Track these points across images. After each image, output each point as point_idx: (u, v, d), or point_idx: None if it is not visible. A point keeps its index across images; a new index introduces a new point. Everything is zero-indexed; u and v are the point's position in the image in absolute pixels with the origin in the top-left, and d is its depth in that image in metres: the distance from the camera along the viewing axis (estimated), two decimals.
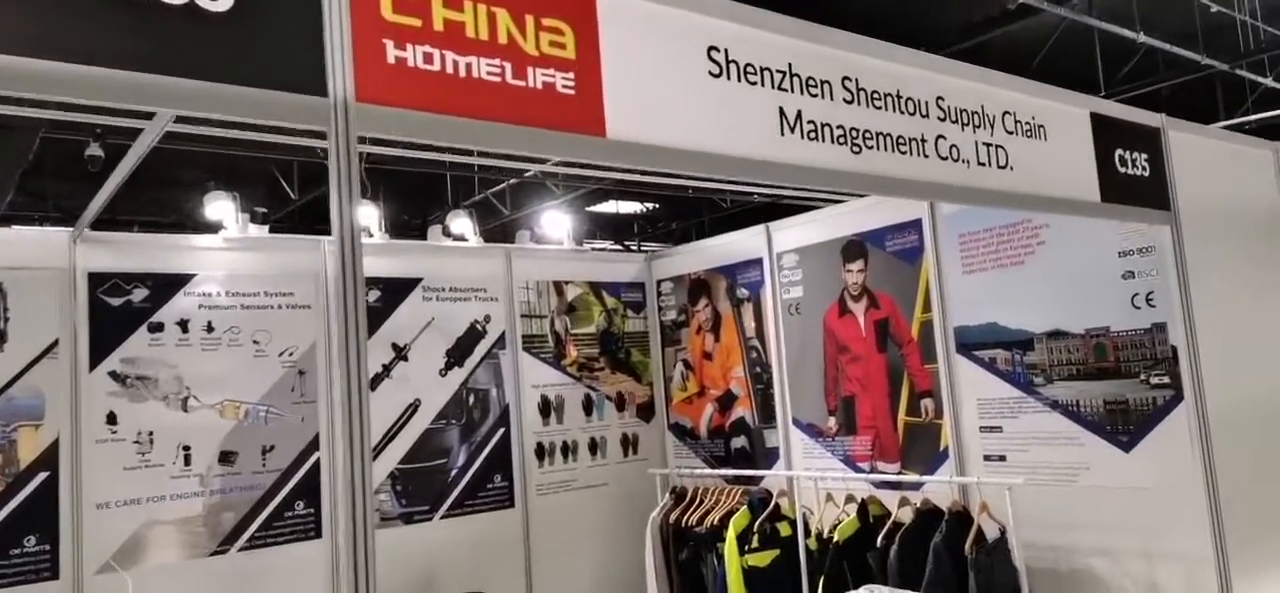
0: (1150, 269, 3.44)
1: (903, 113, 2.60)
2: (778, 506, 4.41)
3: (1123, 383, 3.52)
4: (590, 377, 5.28)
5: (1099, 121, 3.21)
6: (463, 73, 1.66)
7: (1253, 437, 3.48)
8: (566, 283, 5.25)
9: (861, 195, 4.33)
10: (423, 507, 4.57)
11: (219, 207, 4.07)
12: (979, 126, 2.83)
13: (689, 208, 13.04)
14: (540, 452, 5.01)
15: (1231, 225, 3.63)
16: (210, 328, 4.00)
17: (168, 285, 3.93)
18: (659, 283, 5.57)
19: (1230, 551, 3.25)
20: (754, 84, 2.22)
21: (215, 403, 4.00)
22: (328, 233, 1.80)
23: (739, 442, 5.07)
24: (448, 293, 4.76)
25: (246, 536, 4.03)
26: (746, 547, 4.30)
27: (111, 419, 3.74)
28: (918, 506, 3.89)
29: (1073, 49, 7.52)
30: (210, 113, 1.49)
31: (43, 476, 3.58)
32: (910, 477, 4.13)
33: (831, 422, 4.58)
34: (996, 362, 3.92)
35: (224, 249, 4.10)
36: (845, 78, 2.45)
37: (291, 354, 4.21)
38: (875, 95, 2.53)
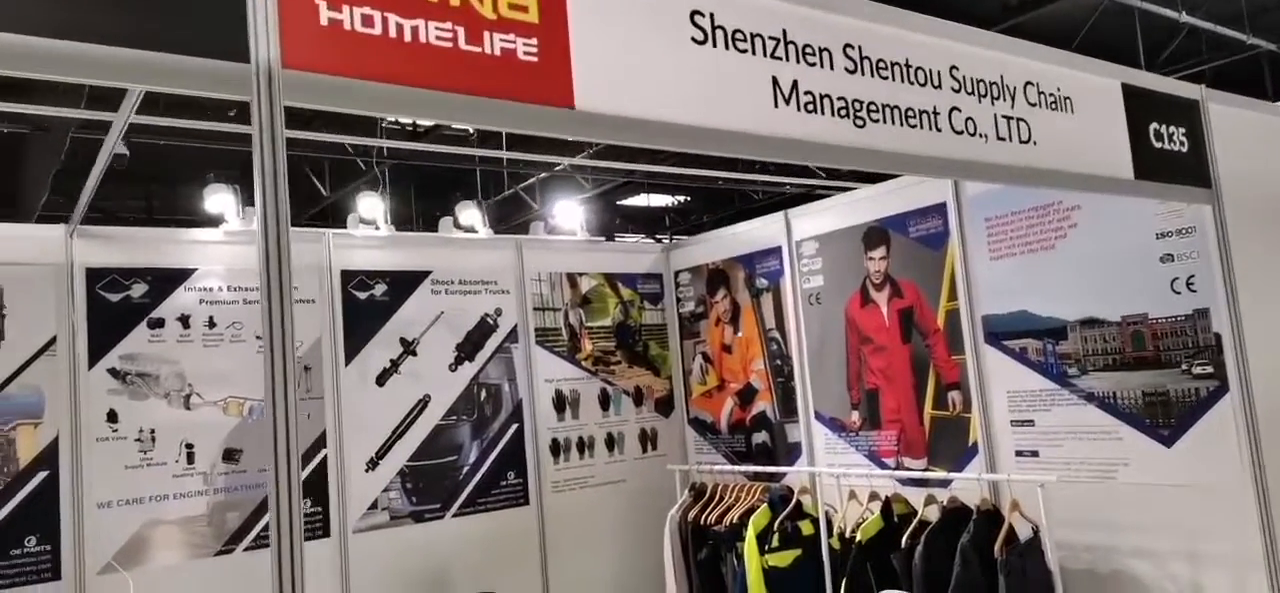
0: (1191, 251, 3.20)
1: (912, 83, 2.41)
2: (799, 503, 4.23)
3: (1163, 373, 3.29)
4: (606, 371, 5.14)
5: (1131, 93, 2.98)
6: (408, 37, 1.53)
7: None
8: (580, 275, 5.11)
9: (896, 176, 4.07)
10: (434, 505, 4.48)
11: (219, 199, 4.00)
12: (998, 98, 2.62)
13: (721, 200, 12.85)
14: (555, 448, 4.89)
15: (1279, 203, 3.37)
16: (212, 323, 3.94)
17: (167, 280, 3.87)
18: (677, 274, 5.42)
19: None
20: (744, 51, 2.06)
21: (218, 400, 3.94)
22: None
23: (760, 437, 4.89)
24: (457, 286, 4.65)
25: (252, 535, 3.96)
26: (766, 546, 4.13)
27: (112, 417, 3.69)
28: (944, 504, 3.69)
29: (1113, 30, 7.19)
30: (122, 82, 1.37)
31: (43, 474, 3.54)
32: (937, 473, 3.92)
33: (855, 416, 4.39)
34: (1027, 352, 3.70)
35: (225, 243, 4.04)
36: (847, 45, 2.27)
37: (296, 350, 4.13)
38: (881, 64, 2.34)
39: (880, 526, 3.79)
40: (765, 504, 4.28)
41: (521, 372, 4.82)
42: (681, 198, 13.60)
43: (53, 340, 3.61)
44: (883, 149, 2.33)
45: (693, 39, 1.96)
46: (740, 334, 5.01)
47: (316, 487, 4.14)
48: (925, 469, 4.03)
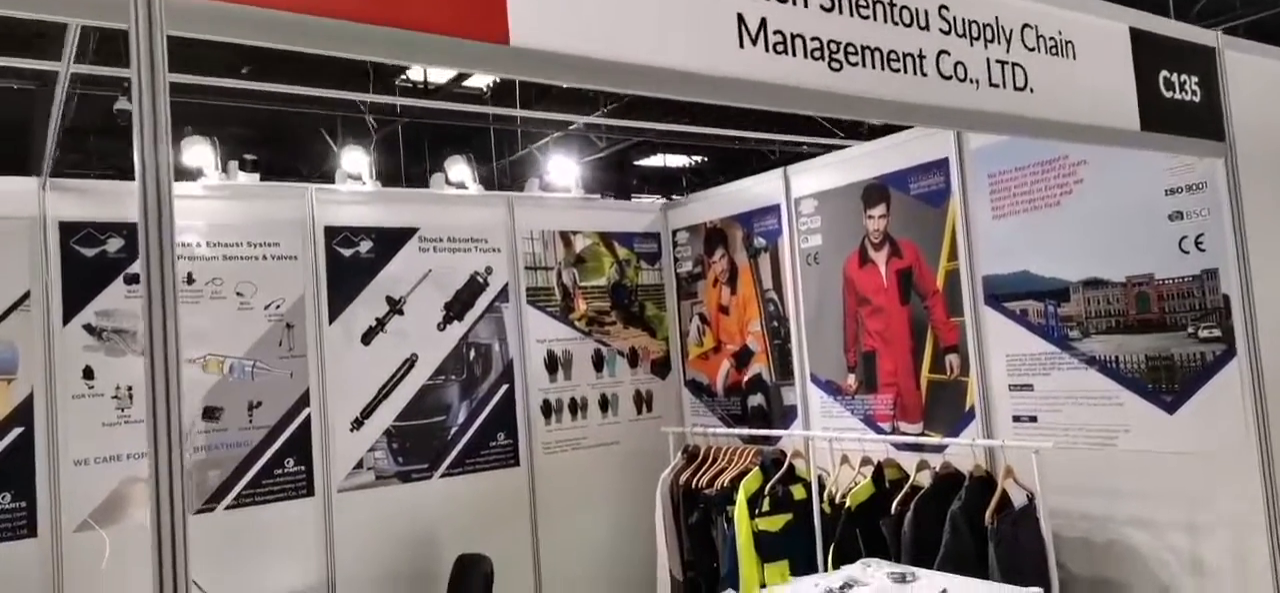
0: (1201, 209, 3.03)
1: (895, 23, 2.25)
2: (791, 468, 4.13)
3: (1167, 337, 3.13)
4: (601, 331, 5.03)
5: (1140, 38, 2.79)
6: None
7: None
8: (574, 233, 4.99)
9: (907, 126, 3.84)
10: (421, 465, 4.41)
11: (197, 152, 3.91)
12: (991, 41, 2.45)
13: (736, 160, 12.64)
14: (547, 409, 4.81)
15: None
16: (190, 279, 3.86)
17: None
18: (674, 233, 5.28)
19: None
20: None
21: (197, 358, 3.87)
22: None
23: (756, 399, 4.78)
24: (445, 244, 4.55)
25: (233, 494, 3.92)
26: (757, 510, 4.04)
27: (88, 374, 3.64)
28: (937, 470, 3.57)
29: None
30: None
31: (17, 431, 3.50)
32: (932, 438, 3.80)
33: (851, 379, 4.26)
34: (1028, 314, 3.55)
35: (203, 197, 3.95)
36: None
37: (278, 307, 4.06)
38: (861, 2, 2.18)
39: (871, 491, 3.68)
40: (757, 468, 4.18)
41: (512, 332, 4.72)
42: (698, 158, 13.41)
43: (26, 295, 3.55)
44: (861, 95, 2.18)
45: None
46: (737, 295, 4.88)
47: (300, 446, 4.08)
48: (921, 434, 3.91)
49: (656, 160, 13.08)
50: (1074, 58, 2.65)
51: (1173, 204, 3.09)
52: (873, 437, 4.03)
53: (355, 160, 4.20)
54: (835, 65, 2.13)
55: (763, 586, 3.82)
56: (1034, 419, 3.53)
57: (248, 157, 4.99)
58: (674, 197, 5.49)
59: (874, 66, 2.20)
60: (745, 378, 4.84)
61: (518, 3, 1.62)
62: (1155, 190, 3.13)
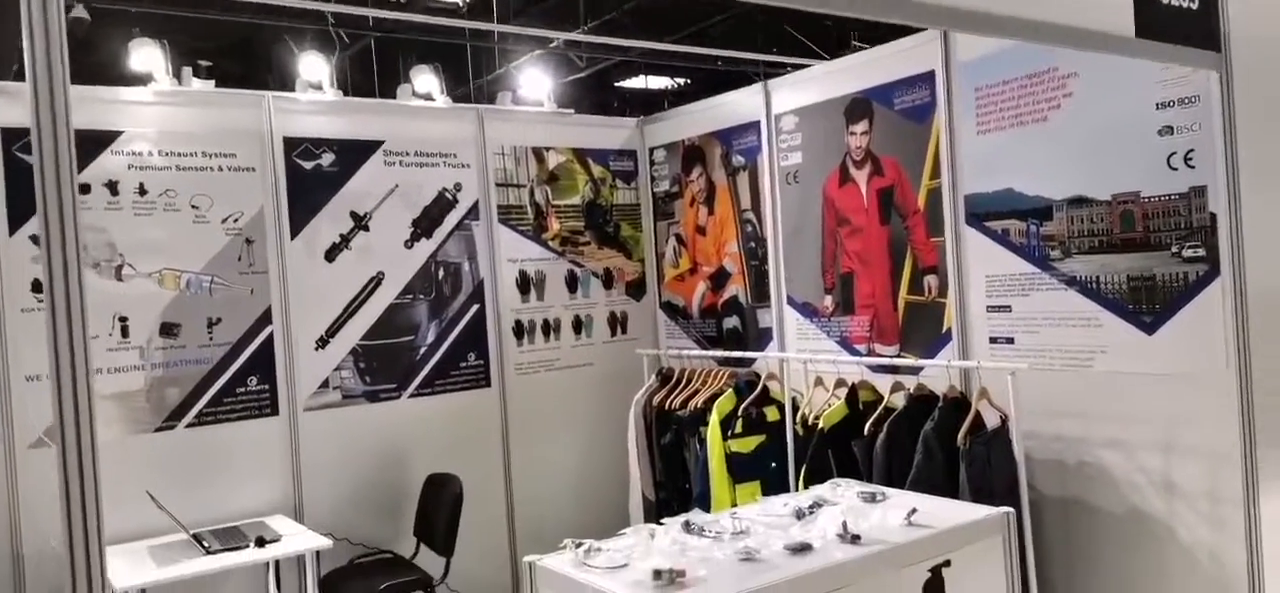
0: (1192, 123, 2.91)
1: None
2: (765, 389, 4.07)
3: (1150, 256, 3.04)
4: (574, 251, 4.92)
5: None
6: None
7: None
8: (547, 149, 4.84)
9: (919, 29, 3.63)
10: (389, 385, 4.32)
11: (145, 56, 3.70)
12: None
13: (720, 81, 12.39)
14: (518, 330, 4.71)
15: None
16: (143, 190, 3.70)
17: (92, 143, 3.62)
18: (651, 151, 5.13)
19: (1260, 449, 2.82)
20: None
21: (152, 272, 3.73)
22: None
23: (731, 322, 4.70)
24: (412, 158, 4.39)
25: (194, 412, 3.82)
26: (730, 432, 3.99)
27: (37, 287, 3.49)
28: (911, 392, 3.51)
29: None
30: None
31: None
32: (907, 360, 3.73)
33: (828, 301, 4.18)
34: (1010, 233, 3.46)
35: (154, 103, 3.76)
36: None
37: (236, 221, 3.91)
38: None
39: (845, 413, 3.63)
40: (731, 390, 4.12)
41: (483, 251, 4.60)
42: (680, 80, 13.14)
43: None
44: None
45: None
46: (715, 215, 4.76)
47: (263, 364, 3.98)
48: (896, 356, 3.84)
49: (637, 81, 12.80)
50: None
51: (1163, 118, 2.98)
52: (848, 359, 3.96)
53: (314, 67, 4.00)
54: None
55: (734, 506, 3.79)
56: (1011, 341, 3.46)
57: (202, 62, 4.77)
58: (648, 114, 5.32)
59: None
60: (721, 300, 4.75)
61: None
62: (1146, 104, 3.01)
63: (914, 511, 2.35)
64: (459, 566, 3.96)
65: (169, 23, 5.78)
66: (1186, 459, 3.00)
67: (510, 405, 4.65)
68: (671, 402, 4.39)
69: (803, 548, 2.16)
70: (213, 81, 4.04)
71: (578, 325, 4.91)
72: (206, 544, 3.36)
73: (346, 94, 4.44)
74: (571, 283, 4.90)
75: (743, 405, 4.02)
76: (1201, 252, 2.91)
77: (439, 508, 4.03)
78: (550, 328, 4.82)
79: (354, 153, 4.21)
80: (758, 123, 4.47)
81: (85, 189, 3.60)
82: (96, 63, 5.58)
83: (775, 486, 3.83)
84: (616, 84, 12.64)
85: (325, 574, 3.76)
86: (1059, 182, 3.28)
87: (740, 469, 3.96)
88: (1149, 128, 3.02)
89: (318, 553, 3.47)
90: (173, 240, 3.76)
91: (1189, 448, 2.99)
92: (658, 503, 4.43)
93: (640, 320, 5.11)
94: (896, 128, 3.83)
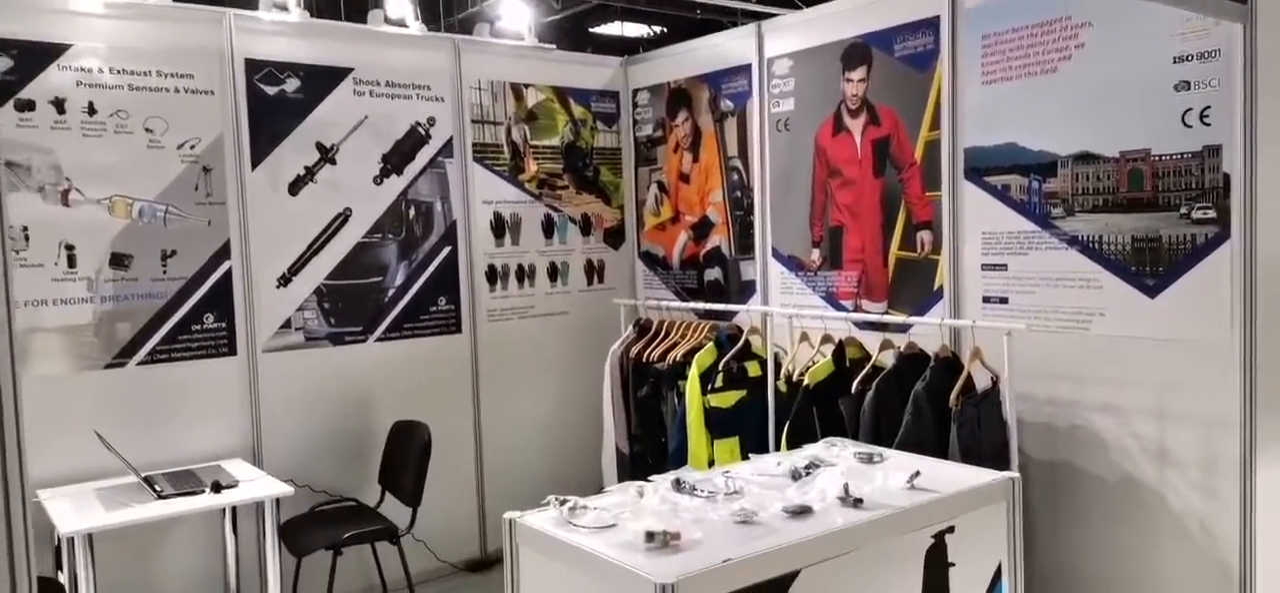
0: (1211, 79, 2.79)
1: None
2: (748, 344, 3.93)
3: (1158, 217, 2.94)
4: (552, 195, 4.72)
5: None
6: None
7: None
8: (526, 86, 4.61)
9: None
10: (355, 328, 4.12)
11: None
12: None
13: (698, 31, 12.13)
14: (491, 275, 4.52)
15: None
16: (92, 110, 3.43)
17: (37, 55, 3.33)
18: (635, 93, 4.93)
19: (1260, 417, 2.75)
20: None
21: (102, 198, 3.48)
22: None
23: (713, 273, 4.56)
24: (383, 88, 4.14)
25: (146, 349, 3.60)
26: (709, 386, 3.85)
27: None
28: (901, 350, 3.40)
29: None
30: None
31: None
32: (896, 318, 3.62)
33: (815, 255, 4.04)
34: (1010, 190, 3.33)
35: (106, 16, 3.47)
36: None
37: (193, 147, 3.66)
38: None
39: (831, 370, 3.51)
40: (712, 343, 3.98)
41: (456, 190, 4.38)
42: (658, 28, 12.84)
43: None
44: None
45: None
46: (699, 163, 4.59)
47: (220, 301, 3.76)
48: (885, 313, 3.73)
49: (614, 28, 12.49)
50: None
51: (1180, 73, 2.85)
52: (834, 315, 3.84)
53: None
54: None
55: (711, 462, 3.67)
56: (1005, 301, 3.36)
57: None
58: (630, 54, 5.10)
59: None
60: (703, 251, 4.60)
61: None
62: (1162, 58, 2.88)
63: (917, 473, 2.23)
64: (425, 516, 3.81)
65: None
66: (1181, 427, 2.93)
67: (481, 353, 4.48)
68: (650, 354, 4.24)
69: (802, 511, 2.04)
70: None
71: (553, 272, 4.74)
72: (159, 488, 3.17)
73: (314, 16, 4.17)
74: (548, 228, 4.71)
75: (723, 360, 3.88)
76: (1212, 213, 2.80)
77: (406, 456, 3.87)
78: (525, 274, 4.64)
79: (321, 80, 3.96)
80: (749, 66, 4.28)
81: (30, 106, 3.32)
82: None
83: (754, 442, 3.72)
84: (592, 29, 12.33)
85: (285, 522, 3.59)
86: (1065, 136, 3.15)
87: (719, 425, 3.83)
88: (1164, 83, 2.89)
89: (277, 500, 3.30)
90: (124, 165, 3.51)
91: (1184, 415, 2.92)
92: (632, 457, 4.30)
93: (618, 269, 4.94)
94: (896, 75, 3.67)
